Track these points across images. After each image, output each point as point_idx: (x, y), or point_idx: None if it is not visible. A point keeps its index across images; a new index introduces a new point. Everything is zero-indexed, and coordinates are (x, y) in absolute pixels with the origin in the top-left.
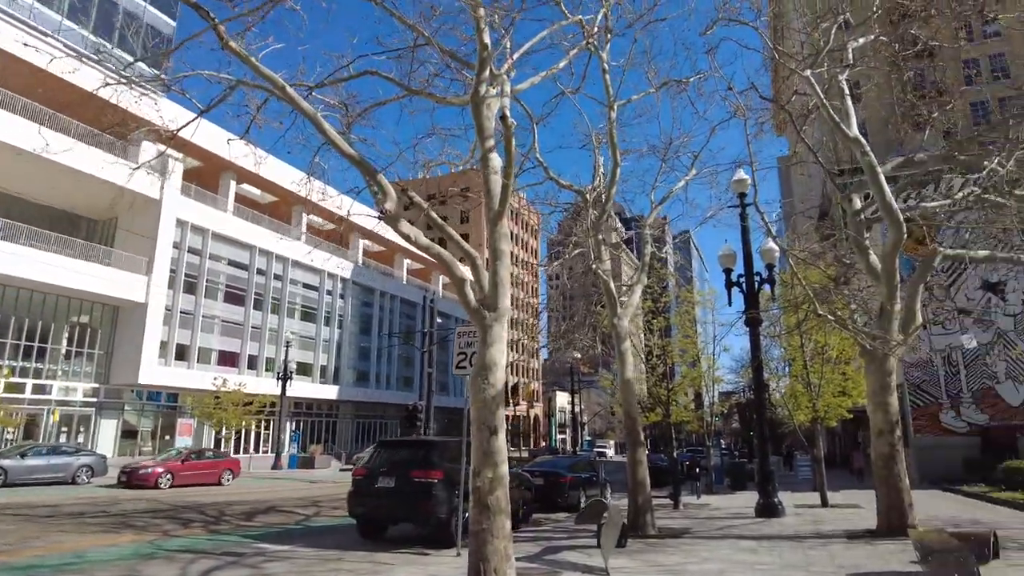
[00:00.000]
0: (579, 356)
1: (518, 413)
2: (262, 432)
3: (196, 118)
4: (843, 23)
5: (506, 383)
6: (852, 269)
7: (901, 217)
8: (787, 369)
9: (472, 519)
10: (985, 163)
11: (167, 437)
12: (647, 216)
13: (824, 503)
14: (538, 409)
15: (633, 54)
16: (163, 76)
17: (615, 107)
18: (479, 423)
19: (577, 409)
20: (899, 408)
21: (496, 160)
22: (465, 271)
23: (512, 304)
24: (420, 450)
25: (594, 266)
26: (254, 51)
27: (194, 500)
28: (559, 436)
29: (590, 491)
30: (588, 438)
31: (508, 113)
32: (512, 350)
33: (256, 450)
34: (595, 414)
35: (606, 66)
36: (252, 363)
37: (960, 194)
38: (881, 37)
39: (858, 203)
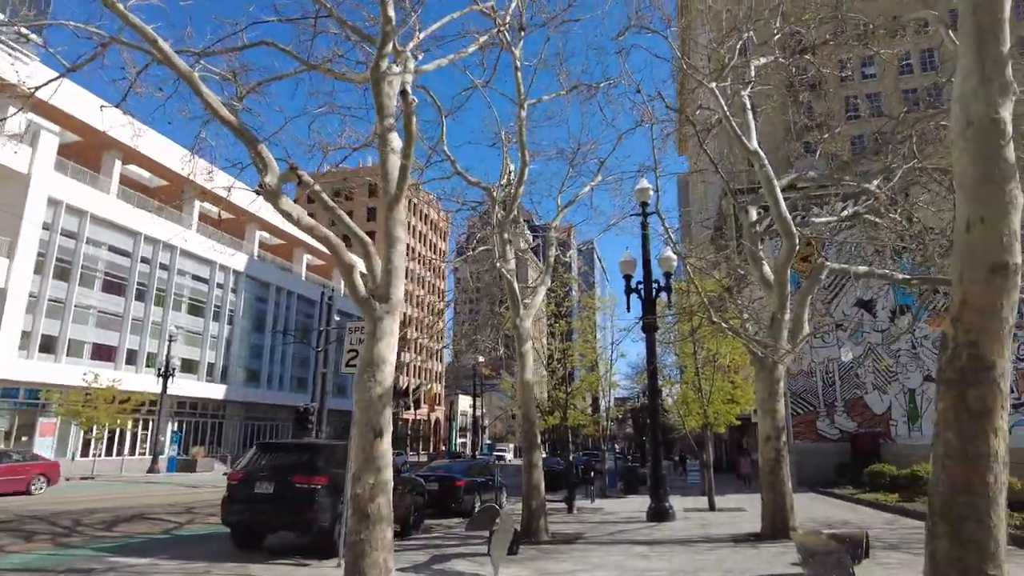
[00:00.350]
0: (482, 359)
1: (418, 417)
2: (139, 433)
3: (60, 77)
4: (747, 42)
5: (407, 386)
6: (745, 280)
7: (794, 229)
8: (680, 376)
9: (350, 528)
10: (866, 185)
11: (24, 438)
12: (553, 219)
13: (712, 507)
14: (440, 413)
15: (545, 56)
16: (19, 24)
17: (525, 106)
18: (363, 424)
19: (479, 413)
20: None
21: (395, 140)
22: (356, 259)
23: (415, 304)
24: (303, 454)
25: (498, 264)
26: (131, 7)
27: (47, 509)
28: (460, 440)
29: (486, 496)
30: (489, 442)
31: (409, 90)
32: (415, 352)
33: (132, 452)
34: (496, 418)
35: (518, 63)
36: (131, 358)
37: (845, 212)
38: (780, 59)
39: (754, 215)
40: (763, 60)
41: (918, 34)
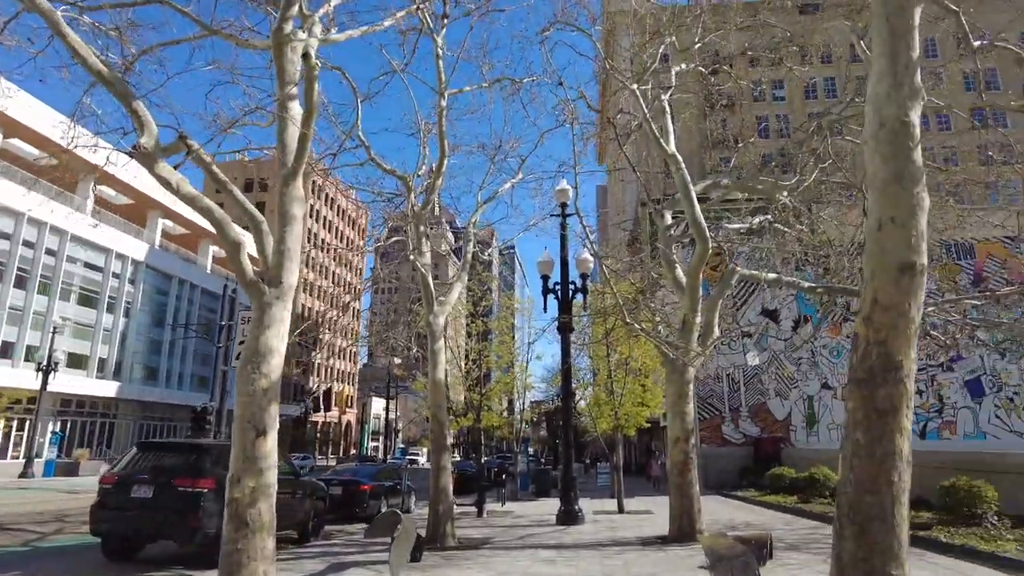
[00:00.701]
0: (399, 361)
1: (329, 419)
2: (14, 433)
3: None
4: (669, 47)
5: (317, 386)
6: (658, 284)
7: (708, 233)
8: (593, 378)
9: (226, 537)
10: (777, 196)
11: None
12: (472, 214)
13: (621, 509)
14: (351, 415)
15: (468, 46)
16: None
17: (446, 95)
18: (244, 421)
19: (392, 415)
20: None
21: (295, 108)
22: (245, 236)
23: (326, 300)
24: (188, 454)
25: (412, 256)
26: None
27: None
28: (372, 444)
29: (393, 500)
30: (402, 446)
31: (313, 54)
32: (327, 351)
33: (4, 455)
34: (410, 421)
35: (440, 51)
36: (6, 351)
37: (756, 220)
38: (700, 67)
39: (668, 219)
40: (684, 67)
41: (824, 63)
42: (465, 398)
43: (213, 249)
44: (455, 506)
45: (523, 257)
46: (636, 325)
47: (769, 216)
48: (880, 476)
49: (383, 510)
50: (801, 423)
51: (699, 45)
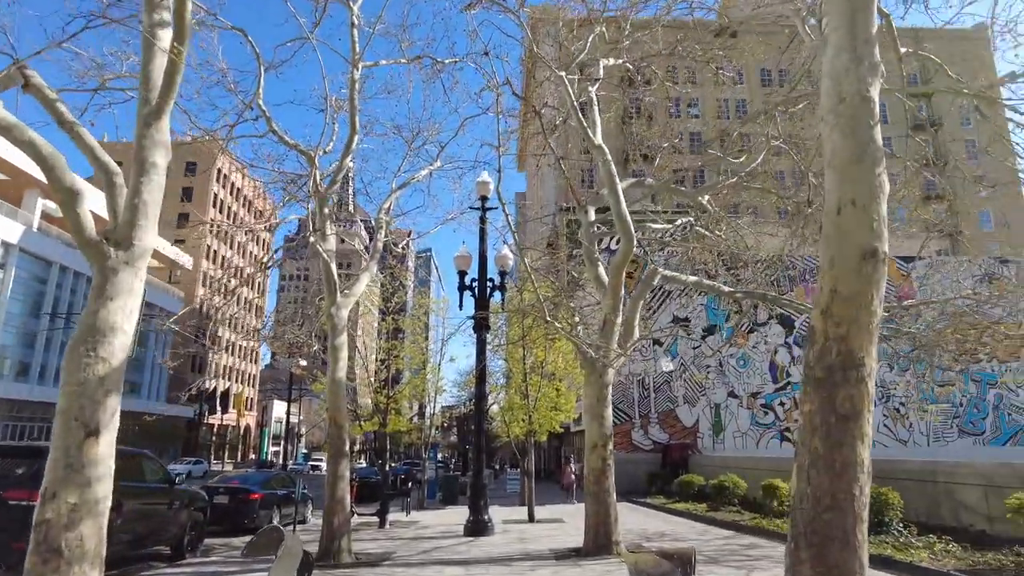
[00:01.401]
0: (304, 363)
1: (227, 422)
2: None
3: None
4: (596, 39)
5: (215, 388)
6: (577, 284)
7: (633, 230)
8: (506, 382)
9: (27, 569)
10: (699, 199)
11: None
12: (385, 200)
13: (531, 518)
14: (251, 418)
15: (387, 21)
16: None
17: (360, 67)
18: (69, 417)
19: (295, 419)
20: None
21: (164, 35)
22: (84, 186)
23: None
24: (25, 461)
25: (312, 238)
26: None
27: None
28: (273, 448)
29: (287, 510)
30: (305, 450)
31: None
32: (227, 351)
33: None
34: (314, 424)
35: (355, 19)
36: None
37: (679, 222)
38: (627, 64)
39: (592, 215)
40: (612, 61)
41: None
42: (372, 400)
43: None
44: (355, 517)
45: (441, 260)
46: (556, 324)
47: (691, 218)
48: (840, 490)
49: (274, 521)
50: (708, 430)
51: (627, 43)
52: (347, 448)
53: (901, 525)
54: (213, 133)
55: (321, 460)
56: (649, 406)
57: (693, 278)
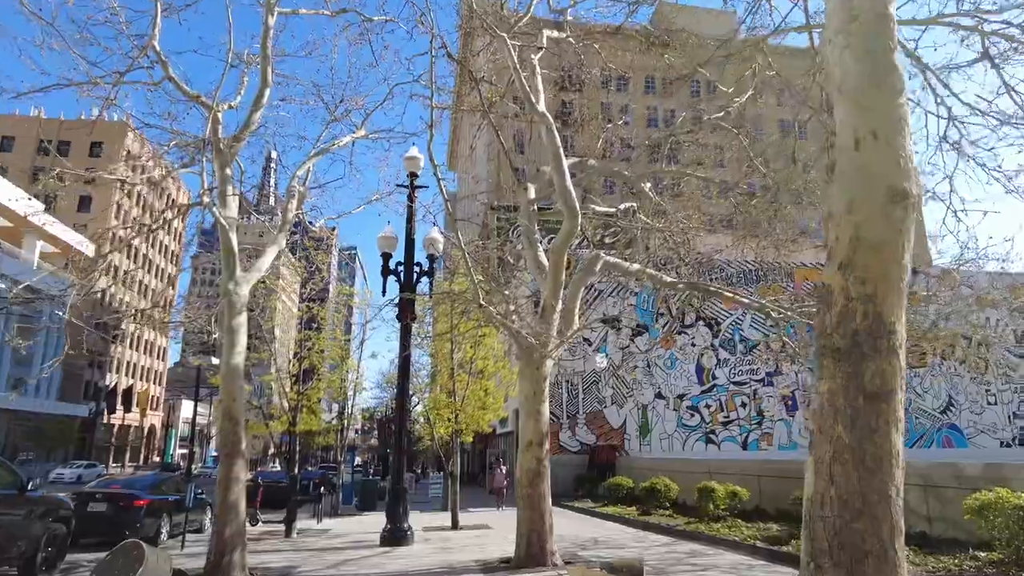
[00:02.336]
0: (216, 360)
1: (129, 422)
2: None
3: None
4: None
5: (115, 384)
6: (512, 273)
7: (577, 205)
8: (431, 380)
9: None
10: (642, 185)
11: None
12: (299, 167)
13: (455, 525)
14: (156, 419)
15: None
16: None
17: (275, 12)
18: None
19: (206, 420)
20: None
21: None
22: None
23: (132, 284)
24: None
25: (206, 199)
26: None
27: None
28: (180, 450)
29: (179, 517)
30: (214, 453)
31: None
32: (131, 346)
33: None
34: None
35: None
36: None
37: (623, 206)
38: (569, 39)
39: (532, 193)
40: (556, 34)
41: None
42: (280, 396)
43: (41, 244)
44: (259, 525)
45: (368, 258)
46: (491, 308)
47: (634, 204)
48: (873, 490)
49: (164, 530)
50: (635, 432)
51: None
52: (243, 447)
53: None
54: (99, 80)
55: None
56: (577, 407)
57: (636, 266)
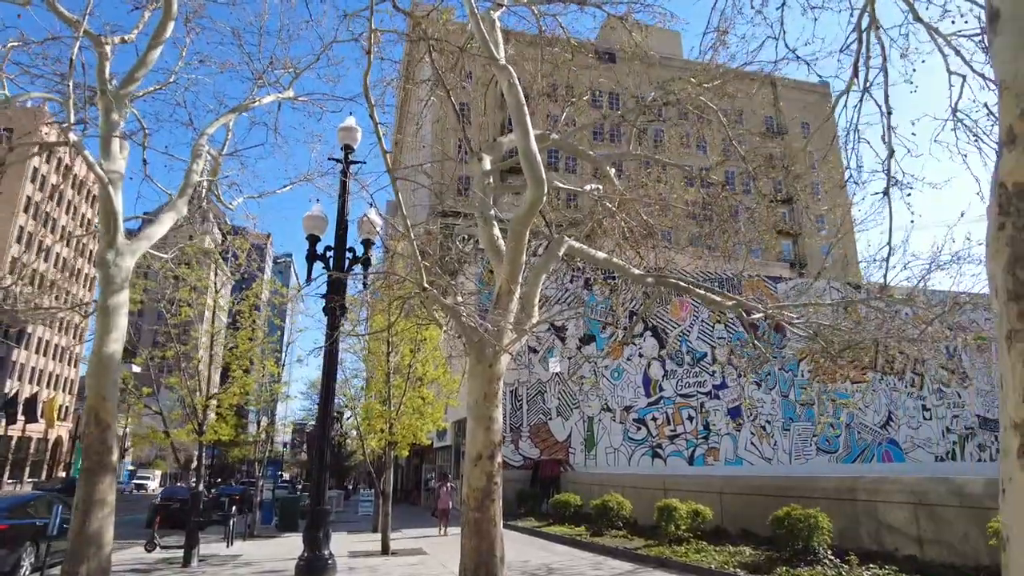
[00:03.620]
0: (137, 368)
1: (31, 433)
2: None
3: None
4: None
5: (16, 392)
6: (460, 262)
7: (543, 173)
8: (365, 385)
9: None
10: (607, 169)
11: None
12: (208, 125)
13: (386, 550)
14: (64, 430)
15: None
16: None
17: None
18: None
19: (121, 431)
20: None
21: None
22: None
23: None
24: None
25: (72, 136)
26: None
27: None
28: None
29: (57, 544)
30: (131, 467)
31: None
32: (37, 351)
33: None
34: (142, 437)
35: None
36: None
37: (588, 187)
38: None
39: (488, 164)
40: None
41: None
42: (185, 401)
43: None
44: (157, 551)
45: (301, 265)
46: (434, 291)
47: (599, 186)
48: None
49: (26, 564)
50: (580, 445)
51: None
52: (112, 459)
53: (831, 552)
54: None
55: (148, 478)
56: (521, 419)
57: (603, 255)
